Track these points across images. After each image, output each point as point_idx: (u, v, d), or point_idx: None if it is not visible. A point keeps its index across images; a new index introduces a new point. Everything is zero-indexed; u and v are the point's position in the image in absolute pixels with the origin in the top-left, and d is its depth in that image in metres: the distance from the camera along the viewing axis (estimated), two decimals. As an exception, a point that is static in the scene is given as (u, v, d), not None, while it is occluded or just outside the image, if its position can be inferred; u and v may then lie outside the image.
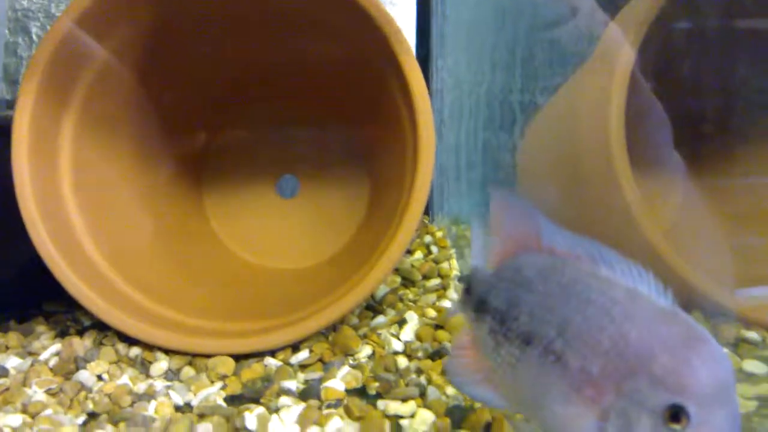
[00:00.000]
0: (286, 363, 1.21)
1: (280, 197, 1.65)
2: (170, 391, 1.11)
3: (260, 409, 1.05)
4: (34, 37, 2.13)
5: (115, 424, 0.99)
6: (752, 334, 1.30)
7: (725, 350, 1.26)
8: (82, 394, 1.09)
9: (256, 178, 1.66)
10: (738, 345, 1.26)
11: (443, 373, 1.13)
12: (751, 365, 1.19)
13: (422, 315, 1.34)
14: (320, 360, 1.22)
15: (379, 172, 1.57)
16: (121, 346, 1.23)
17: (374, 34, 1.24)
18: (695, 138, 1.66)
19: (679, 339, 0.55)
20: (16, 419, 0.99)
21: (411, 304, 1.43)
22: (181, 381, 1.16)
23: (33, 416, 1.01)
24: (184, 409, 1.07)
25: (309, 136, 1.65)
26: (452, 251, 1.64)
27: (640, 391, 0.54)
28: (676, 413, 0.53)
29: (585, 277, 0.63)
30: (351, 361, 1.20)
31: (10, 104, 1.55)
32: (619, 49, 1.36)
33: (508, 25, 1.92)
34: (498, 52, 1.92)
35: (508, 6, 1.90)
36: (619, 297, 0.59)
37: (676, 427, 0.52)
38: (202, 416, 1.03)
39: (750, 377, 1.16)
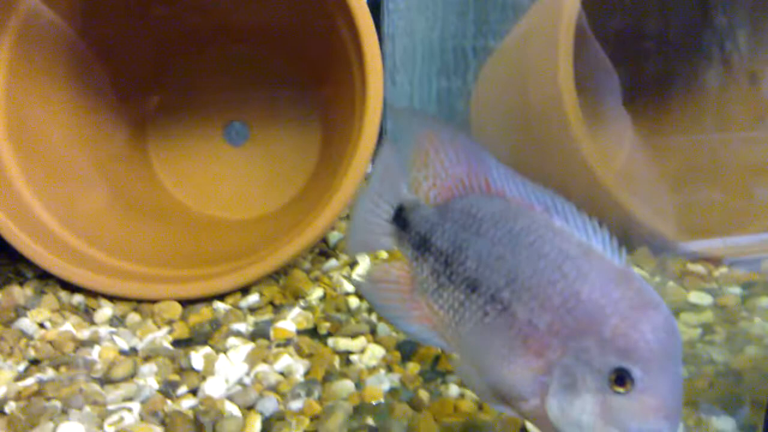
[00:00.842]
0: (236, 307, 1.19)
1: (228, 145, 1.61)
2: (115, 337, 1.08)
3: (207, 350, 1.04)
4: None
5: (56, 368, 0.96)
6: (698, 268, 1.32)
7: (672, 283, 1.29)
8: (23, 341, 1.06)
9: (203, 126, 1.60)
10: (684, 278, 1.29)
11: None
12: (696, 296, 1.21)
13: (374, 257, 1.33)
14: (271, 303, 1.20)
15: (330, 117, 1.54)
16: (64, 294, 1.20)
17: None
18: (636, 93, 1.66)
19: (630, 303, 0.54)
20: (-48, 367, 0.96)
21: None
22: (126, 327, 1.13)
23: (-30, 363, 0.98)
24: (129, 353, 1.05)
25: (258, 82, 1.60)
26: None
27: (587, 352, 0.54)
28: (621, 377, 0.52)
29: (538, 227, 0.60)
30: (302, 304, 1.19)
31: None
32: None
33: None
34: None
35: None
36: (572, 252, 0.57)
37: (620, 390, 0.52)
38: (147, 358, 1.01)
39: (695, 307, 1.19)
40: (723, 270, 1.32)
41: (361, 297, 1.19)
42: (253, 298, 1.20)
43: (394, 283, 0.73)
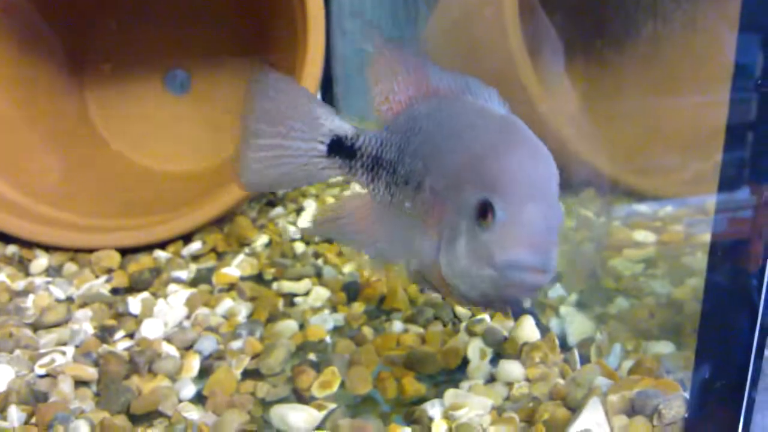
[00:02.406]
0: (178, 255, 1.16)
1: (170, 94, 1.55)
2: (50, 287, 1.04)
3: (145, 294, 1.01)
4: None
5: (-15, 315, 0.93)
6: (643, 207, 1.34)
7: (617, 223, 1.30)
8: (-49, 292, 1.01)
9: (142, 74, 1.54)
10: (630, 217, 1.30)
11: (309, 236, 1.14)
12: (640, 234, 1.23)
13: (322, 203, 1.31)
14: (214, 250, 1.18)
15: (275, 64, 1.49)
16: (-5, 245, 1.15)
17: None
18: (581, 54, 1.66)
19: (504, 145, 0.55)
20: None
21: (312, 197, 1.40)
22: (62, 277, 1.09)
23: None
24: (64, 301, 1.01)
25: (198, 28, 1.54)
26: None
27: (462, 197, 0.54)
28: (484, 210, 0.53)
29: (458, 110, 0.62)
30: (247, 251, 1.16)
31: None
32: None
33: None
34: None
35: None
36: (473, 120, 0.60)
37: (484, 223, 0.52)
38: (83, 305, 0.97)
39: (638, 244, 1.20)
40: (668, 209, 1.34)
41: (307, 242, 1.17)
42: (195, 245, 1.17)
43: (347, 215, 0.73)
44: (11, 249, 1.14)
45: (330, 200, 1.35)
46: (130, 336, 0.91)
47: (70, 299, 1.02)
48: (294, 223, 1.23)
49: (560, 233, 0.53)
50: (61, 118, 1.44)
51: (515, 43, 1.33)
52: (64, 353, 0.84)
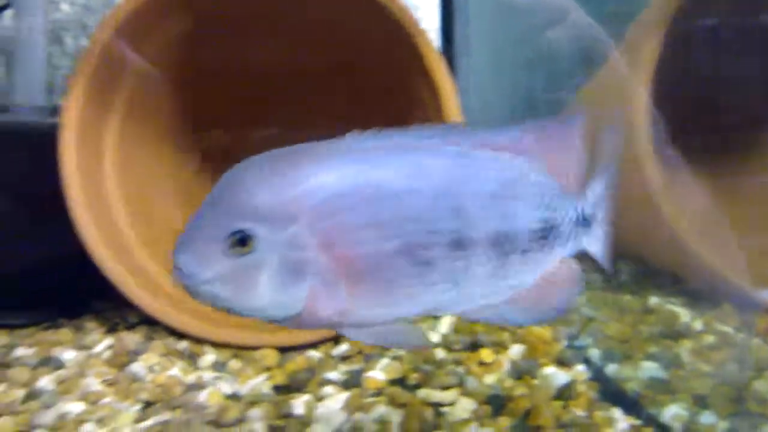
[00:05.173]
0: (328, 355, 1.25)
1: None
2: (218, 382, 1.16)
3: (306, 397, 1.10)
4: (69, 47, 2.20)
5: (172, 409, 1.04)
6: (784, 324, 1.32)
7: (757, 340, 1.29)
8: (136, 384, 1.14)
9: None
10: (769, 335, 1.28)
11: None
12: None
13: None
14: (360, 352, 1.26)
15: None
16: (171, 340, 1.29)
17: (397, 34, 1.28)
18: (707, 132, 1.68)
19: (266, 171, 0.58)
20: (78, 406, 1.05)
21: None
22: (228, 372, 1.21)
23: (93, 404, 1.06)
24: (233, 398, 1.12)
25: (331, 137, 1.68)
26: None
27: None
28: (240, 239, 0.56)
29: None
30: (390, 354, 1.24)
31: (51, 112, 1.61)
32: (641, 50, 1.40)
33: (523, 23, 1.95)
34: (519, 50, 1.95)
35: (520, 5, 1.93)
36: None
37: (242, 251, 0.56)
38: (252, 403, 1.07)
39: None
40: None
41: (448, 349, 1.23)
42: (344, 347, 1.26)
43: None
44: (183, 344, 1.28)
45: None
46: (295, 438, 0.99)
47: (235, 395, 1.13)
48: (433, 329, 1.30)
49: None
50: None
51: (643, 135, 1.37)
52: (243, 452, 0.93)
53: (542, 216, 0.65)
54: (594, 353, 1.19)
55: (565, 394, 1.07)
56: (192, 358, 1.25)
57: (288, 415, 1.05)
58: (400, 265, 0.59)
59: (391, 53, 1.39)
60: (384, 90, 1.54)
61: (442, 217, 0.60)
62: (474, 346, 1.23)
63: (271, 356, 1.23)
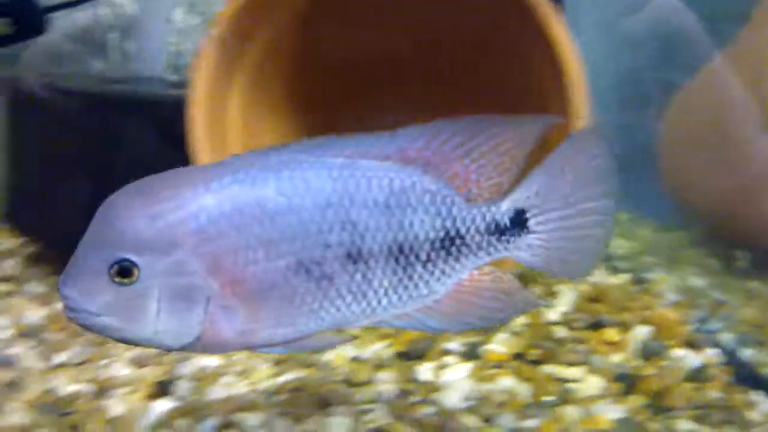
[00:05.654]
0: (444, 326, 1.26)
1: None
2: (341, 346, 1.18)
3: (429, 364, 1.11)
4: (177, 24, 2.28)
5: (305, 367, 1.08)
6: None
7: None
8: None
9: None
10: None
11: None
12: None
13: (574, 288, 1.36)
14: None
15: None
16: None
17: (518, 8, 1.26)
18: None
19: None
20: (214, 361, 1.09)
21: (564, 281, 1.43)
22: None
23: (228, 358, 1.11)
24: (357, 360, 1.14)
25: (445, 107, 1.67)
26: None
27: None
28: (124, 269, 0.55)
29: None
30: (508, 329, 1.24)
31: (175, 85, 1.66)
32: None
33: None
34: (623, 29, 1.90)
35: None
36: None
37: (126, 280, 0.55)
38: (378, 367, 1.09)
39: None
40: None
41: (570, 328, 1.22)
42: (460, 319, 1.27)
43: None
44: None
45: (582, 286, 1.39)
46: (426, 402, 1.01)
47: (359, 359, 1.15)
48: (551, 307, 1.29)
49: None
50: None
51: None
52: (376, 411, 0.95)
53: (441, 225, 0.63)
54: (726, 337, 1.16)
55: (697, 376, 1.05)
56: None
57: (414, 380, 1.06)
58: (296, 281, 0.59)
59: (505, 29, 1.37)
60: (495, 74, 1.53)
61: (332, 230, 0.59)
62: (596, 326, 1.21)
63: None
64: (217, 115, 1.37)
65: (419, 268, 0.62)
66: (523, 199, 0.65)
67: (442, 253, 0.63)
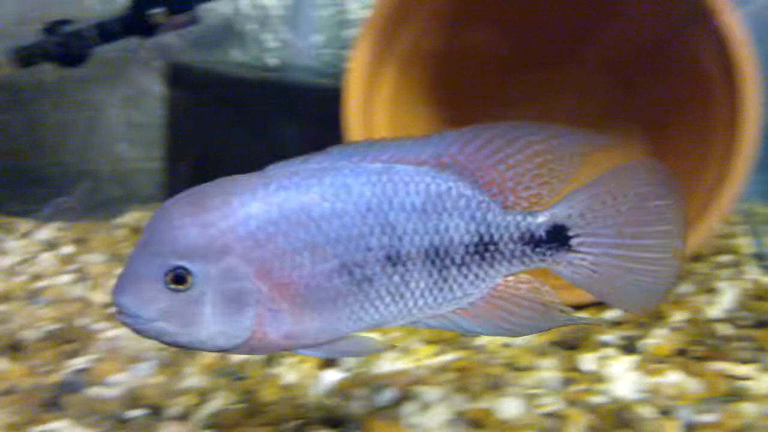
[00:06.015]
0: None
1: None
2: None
3: (590, 355, 1.09)
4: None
5: (461, 350, 1.08)
6: None
7: None
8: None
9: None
10: None
11: None
12: None
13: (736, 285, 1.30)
14: (631, 321, 1.23)
15: (668, 140, 1.52)
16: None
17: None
18: None
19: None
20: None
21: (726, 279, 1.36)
22: (496, 324, 1.23)
23: (384, 335, 1.12)
24: (507, 347, 1.13)
25: (593, 102, 1.63)
26: (744, 227, 1.57)
27: None
28: (178, 276, 0.57)
29: None
30: (665, 325, 1.20)
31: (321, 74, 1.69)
32: None
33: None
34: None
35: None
36: None
37: (180, 287, 0.57)
38: (541, 354, 1.08)
39: None
40: None
41: (736, 326, 1.16)
42: (612, 313, 1.24)
43: None
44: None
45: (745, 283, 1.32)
46: (592, 392, 0.99)
47: (509, 345, 1.14)
48: (711, 303, 1.24)
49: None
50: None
51: None
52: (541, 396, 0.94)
53: (475, 229, 0.64)
54: None
55: None
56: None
57: (577, 369, 1.05)
58: (339, 284, 0.61)
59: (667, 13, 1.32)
60: (657, 65, 1.48)
61: (373, 234, 0.61)
62: (762, 324, 1.15)
63: (539, 313, 1.23)
64: (368, 103, 1.41)
65: (454, 271, 0.64)
66: (564, 216, 0.65)
67: (476, 258, 0.64)
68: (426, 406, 0.91)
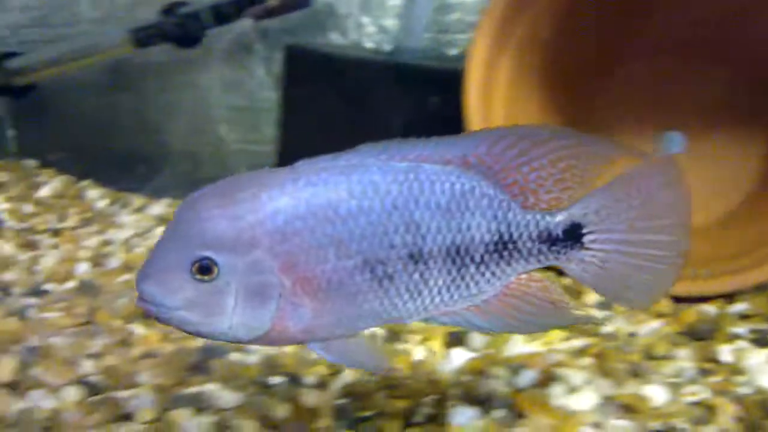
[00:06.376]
0: (724, 311, 1.19)
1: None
2: (609, 320, 1.16)
3: (726, 347, 1.05)
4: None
5: (591, 336, 1.06)
6: None
7: None
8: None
9: (639, 133, 1.64)
10: None
11: None
12: None
13: None
14: (761, 314, 1.18)
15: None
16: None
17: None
18: None
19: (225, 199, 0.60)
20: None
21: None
22: (616, 313, 1.20)
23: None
24: (633, 336, 1.10)
25: (704, 93, 1.58)
26: None
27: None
28: (204, 266, 0.58)
29: None
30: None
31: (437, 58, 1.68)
32: None
33: None
34: None
35: None
36: None
37: (206, 277, 0.58)
38: (678, 344, 1.06)
39: None
40: None
41: None
42: (740, 306, 1.20)
43: None
44: (566, 281, 1.29)
45: None
46: (730, 383, 0.95)
47: (635, 335, 1.12)
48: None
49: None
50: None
51: None
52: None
53: (496, 228, 0.65)
54: None
55: None
56: (577, 295, 1.26)
57: (714, 360, 1.01)
58: (361, 280, 0.62)
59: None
60: None
61: (397, 231, 0.62)
62: None
63: (663, 303, 1.20)
64: (486, 90, 1.40)
65: (472, 269, 0.65)
66: (581, 215, 0.66)
67: (495, 256, 0.65)
68: (573, 389, 0.90)
